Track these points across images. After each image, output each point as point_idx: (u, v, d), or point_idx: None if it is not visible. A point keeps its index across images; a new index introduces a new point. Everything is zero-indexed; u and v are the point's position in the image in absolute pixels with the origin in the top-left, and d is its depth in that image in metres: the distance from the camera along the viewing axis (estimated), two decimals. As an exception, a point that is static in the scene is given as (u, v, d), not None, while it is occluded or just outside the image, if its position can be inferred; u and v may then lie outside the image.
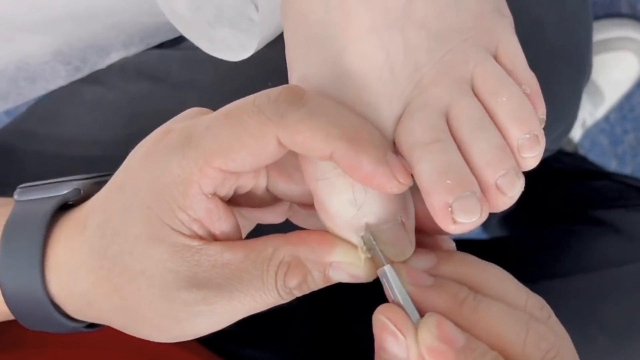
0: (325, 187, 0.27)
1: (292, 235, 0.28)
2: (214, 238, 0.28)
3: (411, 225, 0.28)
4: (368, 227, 0.27)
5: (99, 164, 0.29)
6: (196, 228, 0.27)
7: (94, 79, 0.47)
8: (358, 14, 0.27)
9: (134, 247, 0.26)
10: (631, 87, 0.90)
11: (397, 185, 0.25)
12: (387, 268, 0.26)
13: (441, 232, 0.28)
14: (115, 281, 0.27)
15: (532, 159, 0.27)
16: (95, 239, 0.27)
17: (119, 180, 0.28)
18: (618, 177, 0.68)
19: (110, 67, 0.47)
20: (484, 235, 0.86)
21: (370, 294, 0.29)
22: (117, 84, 0.46)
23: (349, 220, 0.27)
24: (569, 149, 0.85)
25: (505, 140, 0.27)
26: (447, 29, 0.28)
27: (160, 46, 0.47)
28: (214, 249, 0.27)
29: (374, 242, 0.27)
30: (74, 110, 0.47)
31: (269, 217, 0.32)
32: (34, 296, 0.28)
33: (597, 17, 0.89)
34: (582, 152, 0.95)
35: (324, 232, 0.28)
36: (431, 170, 0.26)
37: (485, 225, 0.83)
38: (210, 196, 0.27)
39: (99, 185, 0.30)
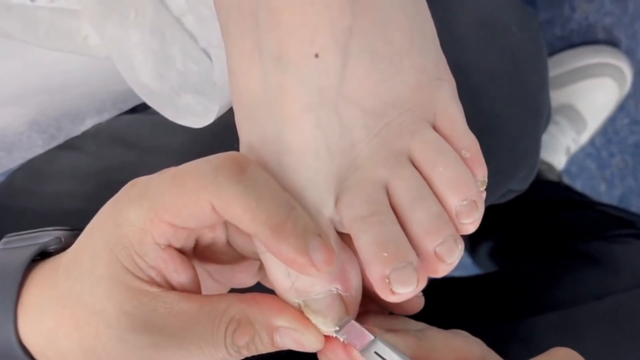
0: (266, 257, 0.29)
1: (247, 295, 0.29)
2: (172, 288, 0.29)
3: (353, 298, 0.29)
4: (300, 296, 0.28)
5: (79, 221, 0.31)
6: (154, 275, 0.28)
7: (70, 145, 0.49)
8: (294, 93, 0.28)
9: (95, 287, 0.28)
10: (613, 112, 0.90)
11: (316, 272, 0.26)
12: (379, 339, 0.27)
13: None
14: (76, 321, 0.28)
15: (470, 225, 0.28)
16: (62, 280, 0.29)
17: (91, 225, 0.30)
18: (600, 206, 0.68)
19: (85, 134, 0.48)
20: (473, 268, 0.87)
21: None
22: (92, 149, 0.48)
23: (285, 288, 0.28)
24: (552, 177, 0.85)
25: (444, 207, 0.28)
26: (383, 105, 0.29)
27: (133, 110, 0.49)
28: (171, 297, 0.28)
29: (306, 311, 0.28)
30: (53, 175, 0.49)
31: (240, 277, 0.33)
32: (4, 338, 0.29)
33: (575, 45, 0.90)
34: (568, 178, 0.96)
35: (277, 297, 0.29)
36: (369, 243, 0.27)
37: (475, 259, 0.83)
38: (164, 247, 0.28)
39: (78, 237, 0.31)
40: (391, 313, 0.32)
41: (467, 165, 0.29)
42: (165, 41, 0.40)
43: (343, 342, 0.28)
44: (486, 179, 0.30)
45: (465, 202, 0.28)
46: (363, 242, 0.27)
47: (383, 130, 0.29)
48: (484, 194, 0.30)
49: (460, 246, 0.28)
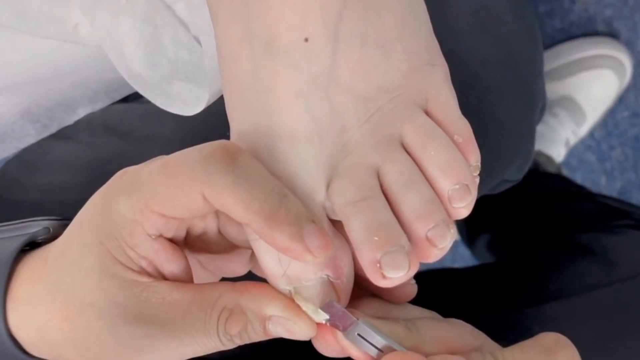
0: (257, 245, 0.28)
1: (239, 284, 0.29)
2: (163, 278, 0.29)
3: (344, 285, 0.29)
4: (292, 283, 0.28)
5: (72, 211, 0.31)
6: (145, 265, 0.28)
7: (63, 134, 0.48)
8: (284, 79, 0.28)
9: (86, 280, 0.28)
10: (612, 104, 0.90)
11: (312, 258, 0.26)
12: (361, 322, 0.27)
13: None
14: (67, 313, 0.28)
15: (463, 209, 0.28)
16: (52, 272, 0.29)
17: (79, 217, 0.29)
18: (599, 198, 0.68)
19: (77, 123, 0.48)
20: (472, 261, 0.86)
21: None
22: (85, 139, 0.48)
23: (276, 276, 0.28)
24: (551, 169, 0.85)
25: (436, 192, 0.28)
26: (374, 90, 0.29)
27: (126, 99, 0.48)
28: (162, 287, 0.28)
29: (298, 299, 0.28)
30: (46, 166, 0.48)
31: (231, 266, 0.33)
32: None
33: (574, 37, 0.90)
34: (568, 171, 0.96)
35: (269, 285, 0.29)
36: (360, 228, 0.27)
37: (473, 251, 0.83)
38: (154, 237, 0.28)
39: (67, 227, 0.31)
40: None
41: (459, 150, 0.29)
42: (157, 29, 0.40)
43: (326, 323, 0.28)
44: (479, 164, 0.29)
45: (457, 186, 0.28)
46: (354, 226, 0.27)
47: (374, 115, 0.29)
48: (477, 179, 0.29)
49: (452, 231, 0.28)
